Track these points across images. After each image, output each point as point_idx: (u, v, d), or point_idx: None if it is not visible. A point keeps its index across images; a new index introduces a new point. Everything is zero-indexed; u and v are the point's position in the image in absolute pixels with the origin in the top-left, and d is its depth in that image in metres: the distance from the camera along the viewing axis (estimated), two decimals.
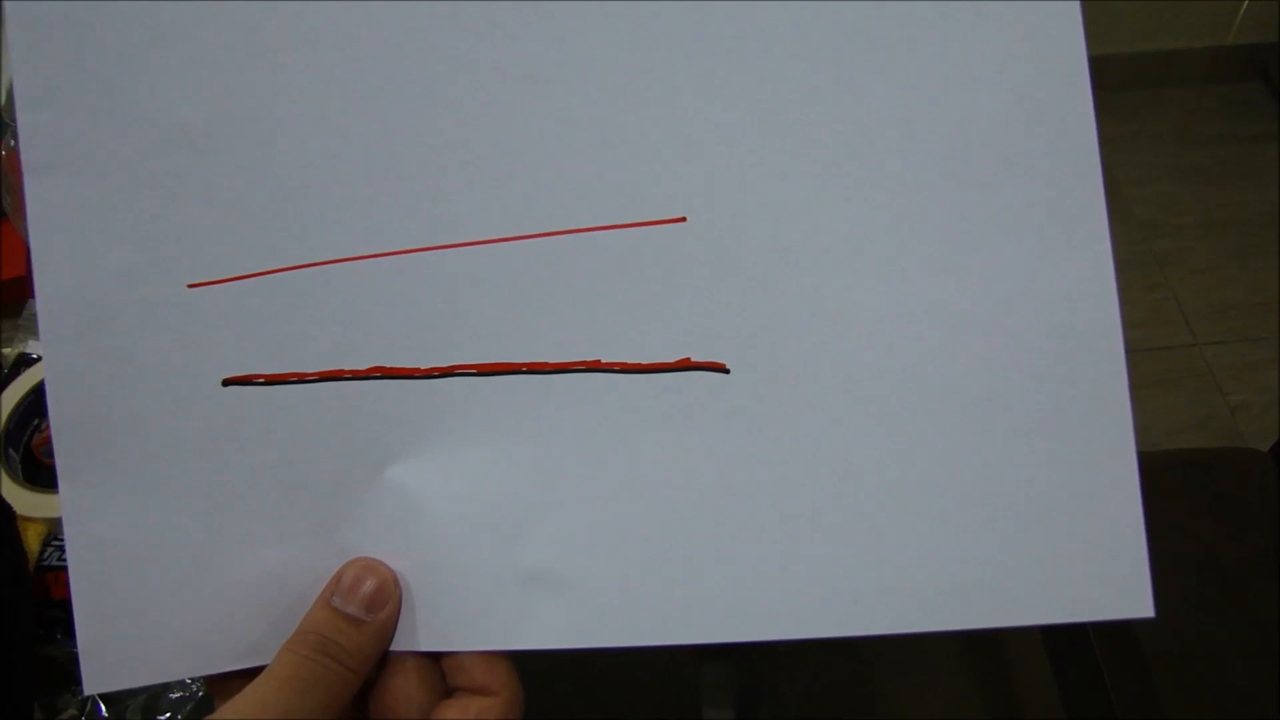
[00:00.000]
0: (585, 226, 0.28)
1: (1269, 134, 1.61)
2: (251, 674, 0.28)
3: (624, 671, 0.71)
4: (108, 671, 0.30)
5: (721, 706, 0.67)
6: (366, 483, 0.29)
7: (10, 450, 0.59)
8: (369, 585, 0.29)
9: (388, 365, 0.29)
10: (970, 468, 0.27)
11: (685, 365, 0.28)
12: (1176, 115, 1.68)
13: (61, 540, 0.56)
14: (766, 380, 0.28)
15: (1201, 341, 1.39)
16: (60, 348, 0.30)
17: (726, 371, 0.28)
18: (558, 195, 0.28)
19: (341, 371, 0.29)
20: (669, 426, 0.28)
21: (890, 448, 0.27)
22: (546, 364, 0.29)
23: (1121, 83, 1.67)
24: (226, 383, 0.30)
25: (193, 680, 0.54)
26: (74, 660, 0.51)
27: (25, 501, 0.56)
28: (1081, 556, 0.27)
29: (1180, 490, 0.80)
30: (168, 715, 0.54)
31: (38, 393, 0.60)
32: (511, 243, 0.28)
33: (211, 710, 0.28)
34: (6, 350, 0.64)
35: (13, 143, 0.58)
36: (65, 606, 0.54)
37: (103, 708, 0.54)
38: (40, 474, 0.58)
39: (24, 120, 0.29)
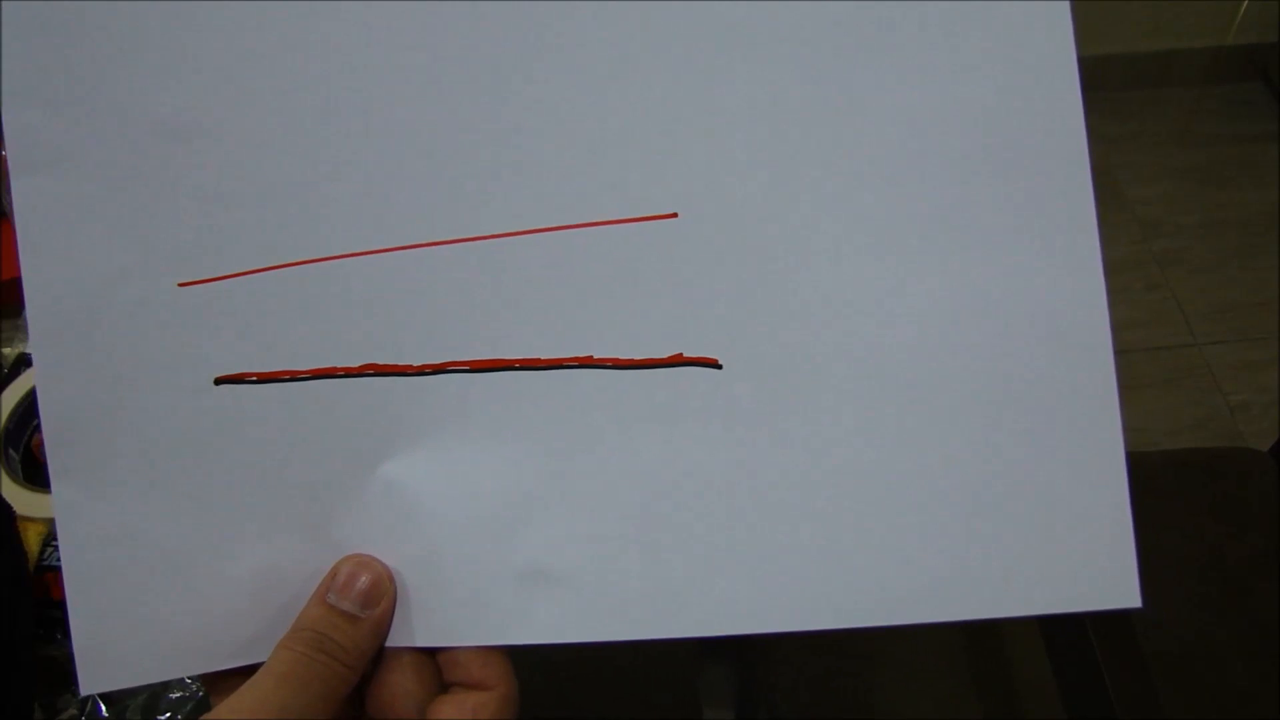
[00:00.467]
0: (577, 223, 0.28)
1: (1269, 134, 1.61)
2: (248, 672, 0.28)
3: (624, 671, 0.71)
4: (104, 671, 0.30)
5: (721, 706, 0.67)
6: (360, 479, 0.30)
7: (10, 450, 0.59)
8: (364, 581, 0.29)
9: (380, 362, 0.29)
10: (959, 460, 0.27)
11: (677, 360, 0.28)
12: (1176, 115, 1.68)
13: None
14: (758, 375, 0.28)
15: (1201, 341, 1.39)
16: (50, 347, 0.30)
17: (718, 366, 0.28)
18: (549, 191, 0.28)
19: (334, 369, 0.29)
20: (661, 421, 0.28)
21: (880, 441, 0.28)
22: (539, 360, 0.29)
23: (1121, 83, 1.67)
24: (219, 381, 0.30)
25: (192, 680, 0.54)
26: (74, 660, 0.51)
27: (25, 501, 0.56)
28: (1070, 548, 0.27)
29: (1180, 490, 0.80)
30: (167, 715, 0.54)
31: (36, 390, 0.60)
32: (504, 239, 0.28)
33: (210, 709, 0.28)
34: (6, 350, 0.64)
35: None
36: (65, 606, 0.54)
37: (103, 708, 0.54)
38: (40, 474, 0.58)
39: (10, 120, 0.29)
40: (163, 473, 0.30)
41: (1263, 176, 1.54)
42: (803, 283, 0.28)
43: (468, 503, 0.29)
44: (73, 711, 0.54)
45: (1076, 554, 0.27)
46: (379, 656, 0.29)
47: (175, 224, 0.29)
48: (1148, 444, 1.25)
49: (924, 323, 0.27)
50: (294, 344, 0.29)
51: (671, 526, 0.28)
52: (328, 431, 0.29)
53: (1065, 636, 0.61)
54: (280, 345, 0.29)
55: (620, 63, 0.28)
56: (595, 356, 0.29)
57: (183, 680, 0.54)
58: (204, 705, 0.53)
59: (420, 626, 0.29)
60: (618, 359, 0.28)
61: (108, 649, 0.30)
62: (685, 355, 0.28)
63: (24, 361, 0.63)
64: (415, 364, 0.29)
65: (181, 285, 0.29)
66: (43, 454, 0.46)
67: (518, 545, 0.29)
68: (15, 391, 0.60)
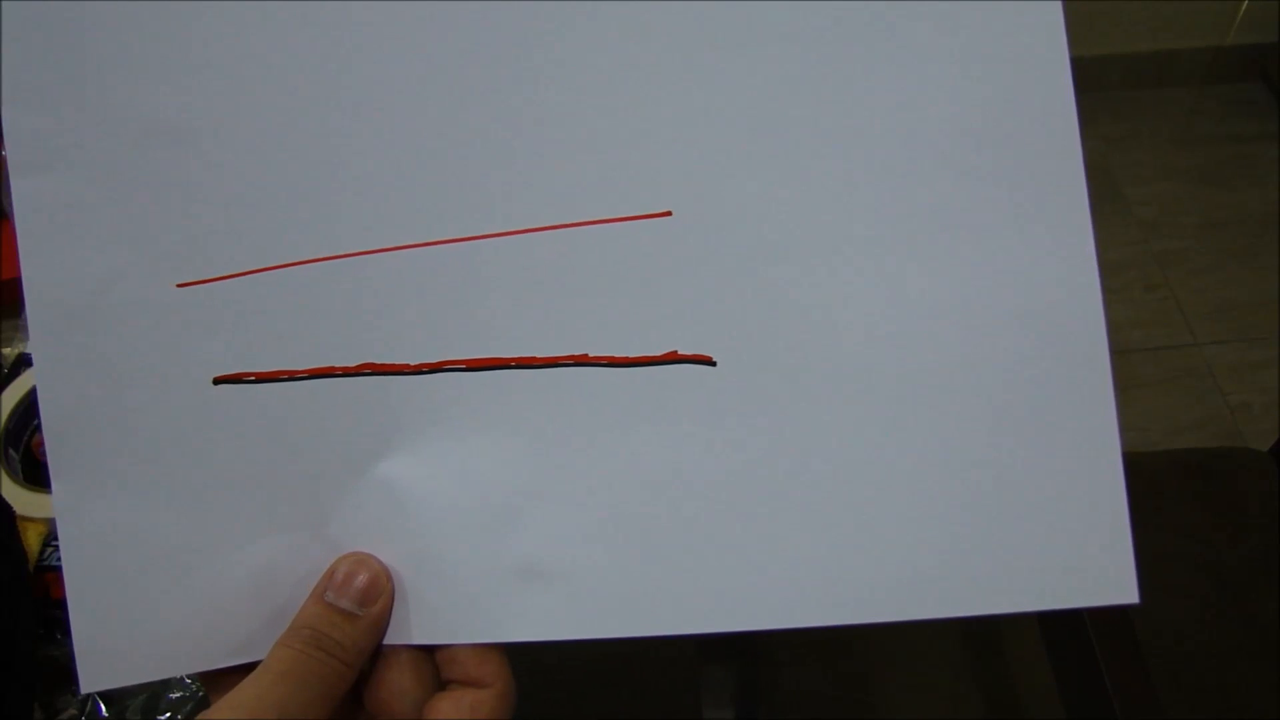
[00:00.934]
0: (571, 222, 0.28)
1: (1269, 134, 1.61)
2: (246, 670, 0.28)
3: (624, 671, 0.71)
4: (104, 670, 0.30)
5: (721, 706, 0.67)
6: (358, 478, 0.30)
7: (10, 450, 0.59)
8: (362, 579, 0.29)
9: (377, 362, 0.29)
10: (956, 457, 0.27)
11: (672, 358, 0.28)
12: (1176, 115, 1.68)
13: None
14: (753, 372, 0.28)
15: (1201, 341, 1.39)
16: (50, 347, 0.30)
17: (713, 364, 0.28)
18: (543, 191, 0.28)
19: (332, 369, 0.29)
20: (657, 418, 0.28)
21: (876, 438, 0.28)
22: (535, 358, 0.29)
23: (1121, 83, 1.67)
24: (217, 381, 0.30)
25: (192, 680, 0.54)
26: (74, 660, 0.51)
27: (25, 501, 0.56)
28: (1067, 543, 0.27)
29: (1180, 490, 0.80)
30: (167, 715, 0.54)
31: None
32: (498, 239, 0.28)
33: (209, 707, 0.28)
34: (6, 350, 0.65)
35: None
36: (65, 606, 0.54)
37: (103, 707, 0.54)
38: (40, 474, 0.58)
39: (10, 120, 0.29)
40: (162, 472, 0.30)
41: (1263, 176, 1.54)
42: (797, 280, 0.28)
43: (465, 501, 0.29)
44: (73, 711, 0.54)
45: (1073, 549, 0.27)
46: (377, 654, 0.29)
47: (174, 225, 0.29)
48: (1148, 444, 1.25)
49: (919, 320, 0.27)
50: (292, 344, 0.29)
51: (667, 524, 0.28)
52: (326, 430, 0.30)
53: (1065, 636, 0.61)
54: (278, 345, 0.29)
55: (614, 62, 0.28)
56: (590, 355, 0.29)
57: (182, 680, 0.54)
58: (204, 705, 0.53)
59: (418, 624, 0.29)
60: (613, 357, 0.28)
61: (107, 648, 0.30)
62: (680, 353, 0.28)
63: (24, 361, 0.64)
64: (412, 363, 0.29)
65: (180, 286, 0.29)
66: (43, 454, 0.46)
67: (514, 543, 0.29)
68: (15, 391, 0.61)
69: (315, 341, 0.29)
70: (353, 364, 0.29)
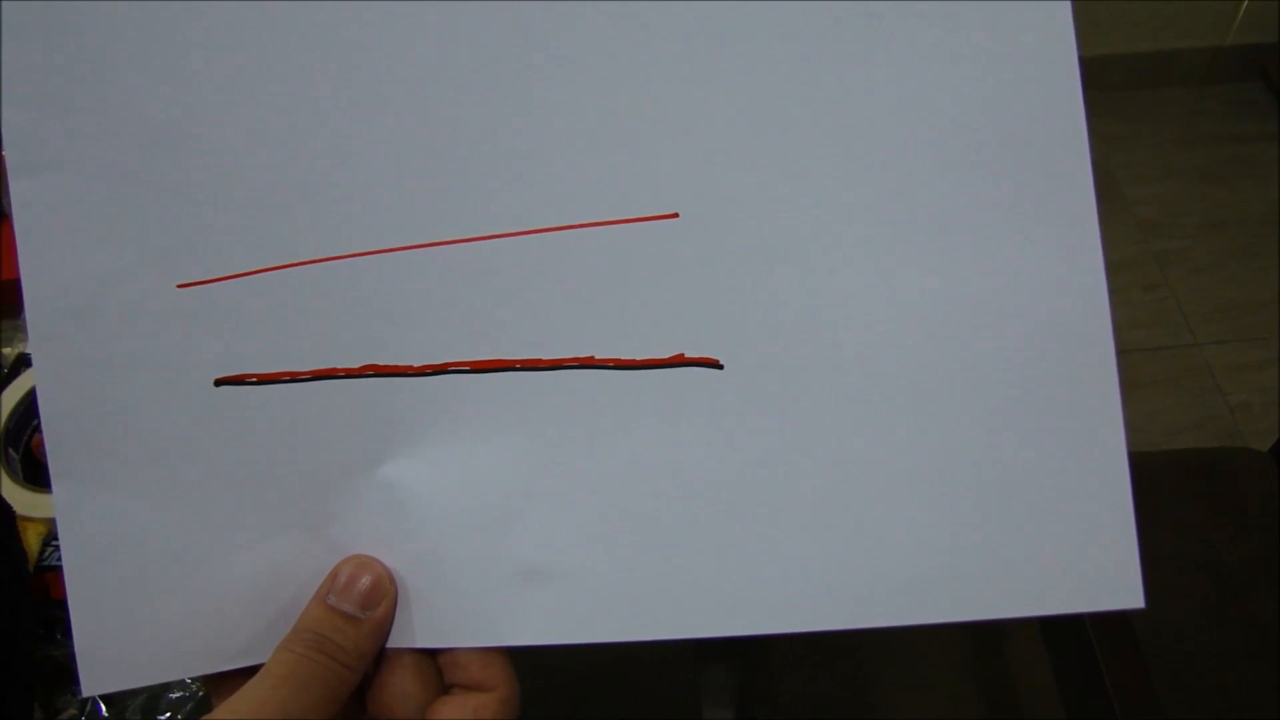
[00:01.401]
0: (577, 223, 0.28)
1: (1269, 134, 1.61)
2: (248, 673, 0.28)
3: (624, 671, 0.71)
4: (105, 672, 0.30)
5: (721, 706, 0.67)
6: (361, 480, 0.30)
7: (10, 450, 0.59)
8: (364, 582, 0.29)
9: (380, 363, 0.29)
10: (962, 460, 0.27)
11: (678, 361, 0.28)
12: (1176, 115, 1.68)
13: None
14: (759, 375, 0.28)
15: (1201, 341, 1.39)
16: (49, 348, 0.30)
17: (720, 367, 0.28)
18: (549, 192, 0.28)
19: (334, 370, 0.29)
20: (662, 422, 0.28)
21: (881, 441, 0.28)
22: (540, 361, 0.29)
23: (1121, 83, 1.67)
24: (219, 382, 0.30)
25: (192, 680, 0.54)
26: (74, 659, 0.51)
27: (25, 501, 0.56)
28: (1072, 547, 0.27)
29: (1180, 490, 0.80)
30: (167, 715, 0.54)
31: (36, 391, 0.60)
32: (503, 239, 0.28)
33: (210, 710, 0.28)
34: (6, 350, 0.64)
35: None
36: (65, 606, 0.54)
37: (103, 708, 0.54)
38: (40, 474, 0.58)
39: (8, 120, 0.29)
40: (163, 474, 0.30)
41: (1263, 176, 1.54)
42: (804, 283, 0.28)
43: (469, 503, 0.29)
44: (73, 711, 0.54)
45: (1079, 554, 0.27)
46: (380, 657, 0.29)
47: (174, 225, 0.29)
48: (1148, 444, 1.25)
49: (926, 322, 0.27)
50: (294, 345, 0.29)
51: (672, 527, 0.28)
52: (328, 432, 0.29)
53: (1065, 637, 0.61)
54: (280, 346, 0.29)
55: (620, 63, 0.28)
56: (596, 357, 0.28)
57: (183, 680, 0.54)
58: (204, 705, 0.53)
59: (421, 627, 0.29)
60: (619, 359, 0.28)
61: (109, 650, 0.30)
62: (686, 355, 0.28)
63: (24, 361, 0.63)
64: (416, 365, 0.29)
65: (181, 286, 0.29)
66: (43, 454, 0.46)
67: (519, 546, 0.29)
68: (15, 391, 0.60)
69: (318, 343, 0.29)
70: (356, 365, 0.29)
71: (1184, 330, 1.40)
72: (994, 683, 0.73)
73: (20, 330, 0.65)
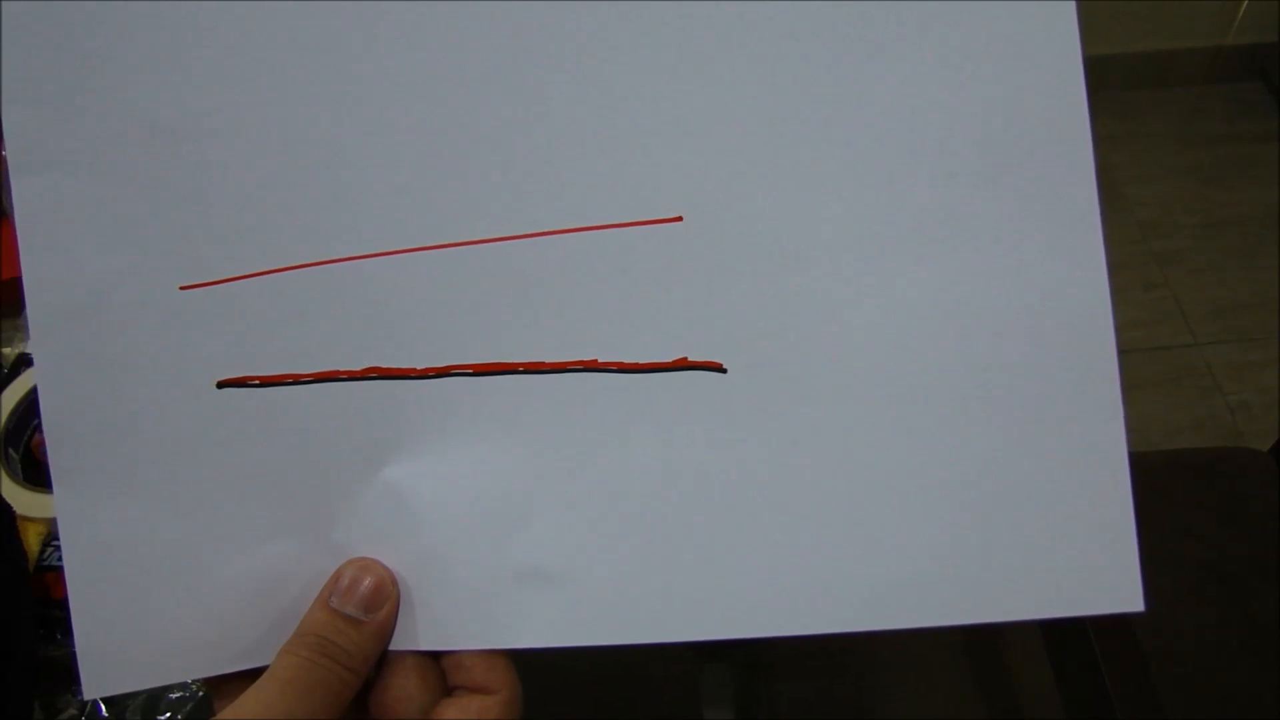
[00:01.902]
0: (581, 226, 0.28)
1: (1269, 134, 1.61)
2: (250, 675, 0.28)
3: (624, 671, 0.71)
4: (107, 675, 0.30)
5: (721, 707, 0.67)
6: (363, 483, 0.29)
7: (10, 450, 0.59)
8: (367, 585, 0.29)
9: (384, 366, 0.29)
10: (964, 464, 0.27)
11: (682, 365, 0.28)
12: (1176, 115, 1.67)
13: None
14: (763, 379, 0.28)
15: (1201, 341, 1.39)
16: (51, 350, 0.29)
17: (723, 371, 0.28)
18: (553, 194, 0.28)
19: (337, 372, 0.29)
20: (666, 425, 0.28)
21: (884, 445, 0.28)
22: (543, 364, 0.29)
23: (1121, 83, 1.67)
24: (221, 384, 0.29)
25: (192, 681, 0.54)
26: (74, 660, 0.51)
27: (25, 501, 0.56)
28: (1072, 551, 0.27)
29: (1180, 490, 0.80)
30: (167, 715, 0.54)
31: (37, 392, 0.60)
32: (507, 242, 0.28)
33: (211, 711, 0.28)
34: (6, 350, 0.64)
35: None
36: (65, 606, 0.54)
37: (102, 708, 0.54)
38: (40, 474, 0.58)
39: (9, 119, 0.29)
40: (165, 476, 0.30)
41: (1263, 176, 1.54)
42: (809, 287, 0.28)
43: (471, 506, 0.29)
44: (72, 711, 0.54)
45: (1079, 558, 0.27)
46: (383, 659, 0.29)
47: (177, 226, 0.29)
48: (1147, 444, 1.25)
49: (930, 326, 0.27)
50: (296, 347, 0.29)
51: (675, 531, 0.28)
52: (331, 435, 0.29)
53: (1065, 637, 0.61)
54: (283, 348, 0.29)
55: (626, 65, 0.27)
56: (600, 360, 0.28)
57: (183, 681, 0.54)
58: (204, 705, 0.53)
59: (424, 630, 0.29)
60: (622, 363, 0.28)
61: (110, 653, 0.30)
62: (690, 359, 0.28)
63: (24, 361, 0.63)
64: (419, 367, 0.29)
65: (183, 288, 0.29)
66: (43, 454, 0.46)
67: (522, 548, 0.29)
68: (15, 391, 0.60)
69: (320, 345, 0.29)
70: (358, 368, 0.29)
71: (1184, 330, 1.40)
72: (994, 683, 0.73)
73: (20, 330, 0.65)
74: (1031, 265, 0.27)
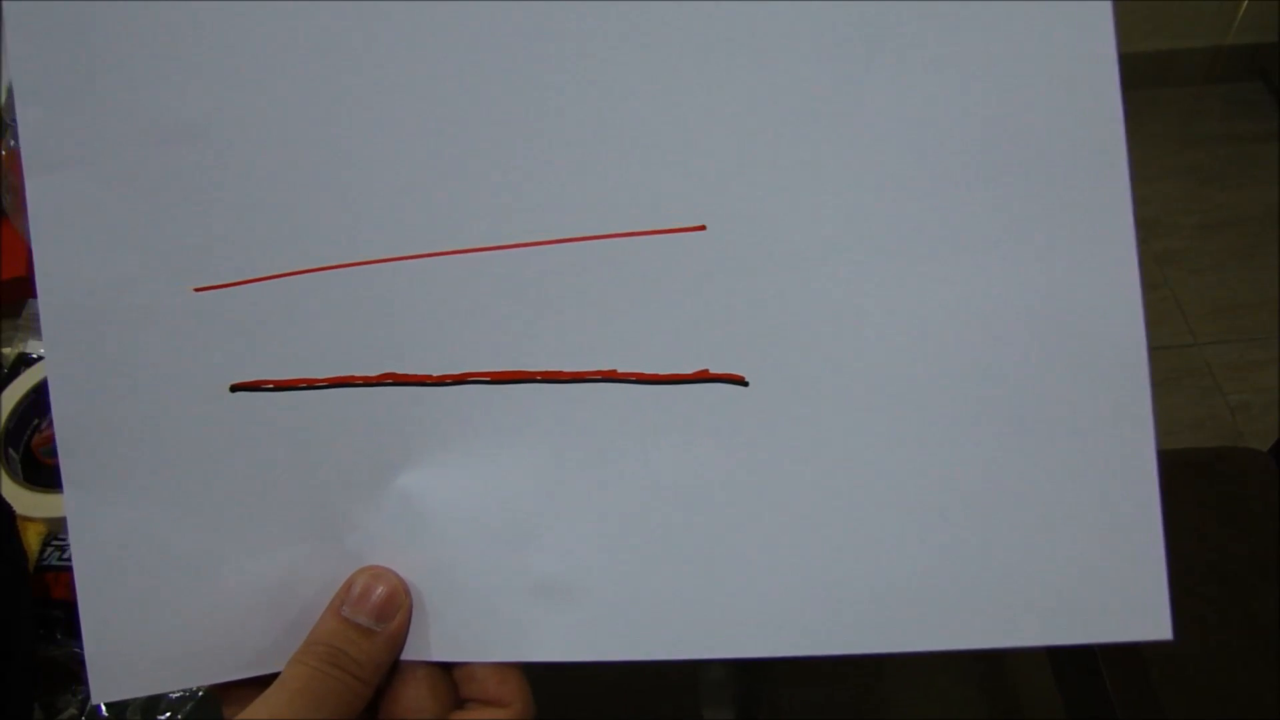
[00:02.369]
0: (602, 234, 0.28)
1: (1269, 134, 1.61)
2: (261, 682, 0.28)
3: (624, 671, 0.71)
4: (115, 681, 0.30)
5: (721, 706, 0.67)
6: (377, 490, 0.29)
7: (10, 450, 0.58)
8: (379, 594, 0.28)
9: (399, 372, 0.29)
10: (991, 484, 0.27)
11: (703, 377, 0.28)
12: (1176, 115, 1.67)
13: (61, 540, 0.56)
14: (785, 393, 0.27)
15: (1201, 341, 1.39)
16: (63, 352, 0.29)
17: (745, 384, 0.27)
18: (575, 201, 0.27)
19: (352, 378, 0.29)
20: (685, 438, 0.28)
21: (911, 464, 0.27)
22: (561, 373, 0.28)
23: (1121, 83, 1.67)
24: (234, 388, 0.29)
25: (200, 687, 0.54)
26: (74, 660, 0.51)
27: (25, 501, 0.56)
28: (1099, 576, 0.26)
29: (1180, 490, 0.80)
30: (168, 715, 0.53)
31: (38, 392, 0.60)
32: (527, 249, 0.28)
33: (213, 711, 0.27)
34: (6, 350, 0.64)
35: (13, 143, 0.58)
36: (65, 606, 0.54)
37: (102, 707, 0.54)
38: (40, 474, 0.58)
39: (24, 120, 0.29)
40: (176, 481, 0.29)
41: (1263, 176, 1.54)
42: (833, 298, 0.27)
43: (486, 515, 0.29)
44: (73, 711, 0.54)
45: (1106, 582, 0.26)
46: (394, 669, 0.29)
47: (191, 227, 0.29)
48: None
49: (959, 339, 0.27)
50: (311, 352, 0.29)
51: (693, 546, 0.28)
52: (345, 441, 0.29)
53: None
54: (297, 353, 0.29)
55: (649, 72, 0.27)
56: (619, 371, 0.28)
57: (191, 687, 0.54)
58: (204, 705, 0.53)
59: (436, 640, 0.29)
60: (642, 374, 0.28)
61: (119, 658, 0.29)
62: (711, 372, 0.28)
63: (24, 361, 0.63)
64: (435, 374, 0.29)
65: (197, 290, 0.29)
66: (43, 454, 0.46)
67: (536, 560, 0.28)
68: (15, 391, 0.60)
69: (336, 350, 0.29)
70: (374, 373, 0.29)
71: (1184, 330, 1.40)
72: (994, 683, 0.73)
73: (20, 330, 0.64)
74: (1065, 276, 0.26)
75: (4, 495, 0.51)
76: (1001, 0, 0.25)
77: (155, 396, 0.29)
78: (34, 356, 0.63)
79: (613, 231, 0.27)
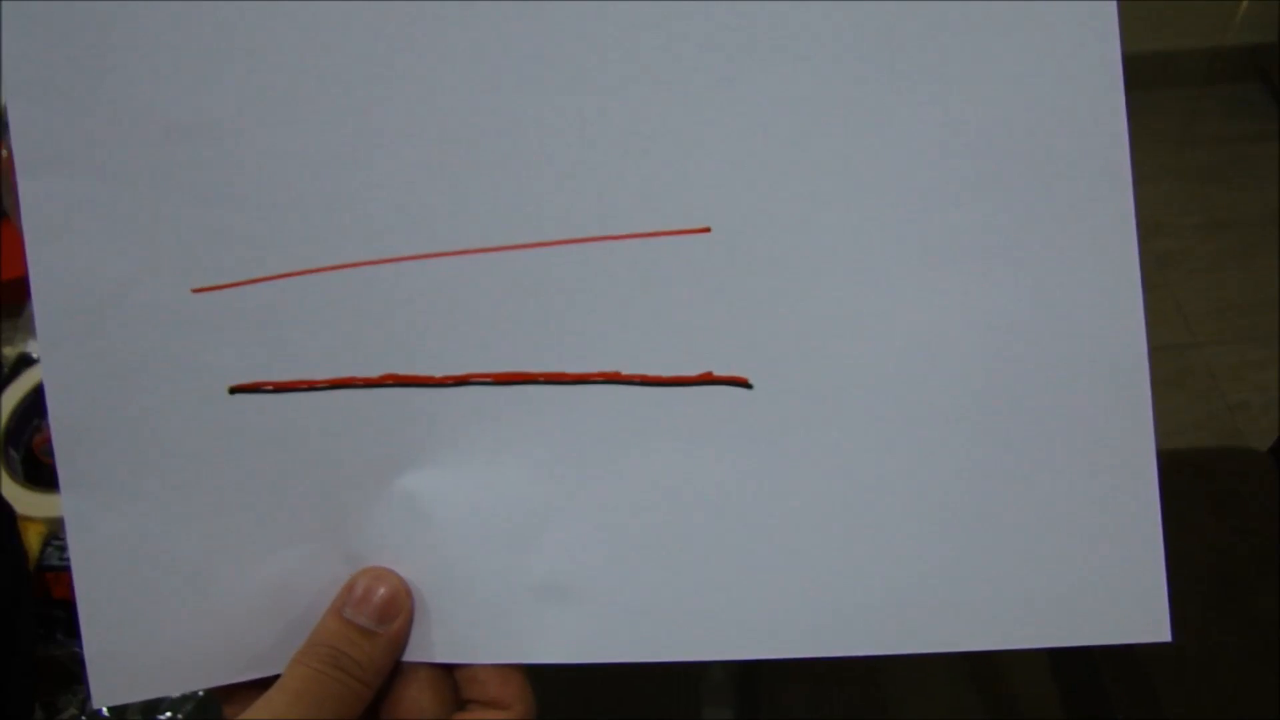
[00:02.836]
0: (607, 235, 0.28)
1: (1269, 134, 1.61)
2: (262, 684, 0.28)
3: (624, 671, 0.71)
4: (116, 684, 0.29)
5: (721, 706, 0.67)
6: (378, 492, 0.29)
7: (10, 450, 0.58)
8: (381, 595, 0.28)
9: (400, 373, 0.29)
10: (991, 486, 0.27)
11: (707, 379, 0.28)
12: (1176, 115, 1.67)
13: (62, 540, 0.56)
14: (789, 396, 0.27)
15: (1201, 341, 1.39)
16: (59, 354, 0.29)
17: (749, 386, 0.27)
18: (579, 202, 0.27)
19: (353, 379, 0.29)
20: (689, 441, 0.28)
21: (913, 466, 0.27)
22: (565, 374, 0.28)
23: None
24: (233, 390, 0.29)
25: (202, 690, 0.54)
26: (75, 660, 0.51)
27: (25, 501, 0.56)
28: (1098, 577, 0.26)
29: (1180, 490, 0.80)
30: (168, 714, 0.53)
31: (38, 392, 0.60)
32: (530, 250, 0.28)
33: (214, 711, 0.27)
34: (6, 350, 0.64)
35: None
36: (65, 606, 0.54)
37: (103, 707, 0.54)
38: (40, 474, 0.58)
39: (17, 118, 0.28)
40: (176, 483, 0.29)
41: (1263, 176, 1.54)
42: (838, 302, 0.27)
43: (488, 517, 0.29)
44: (73, 711, 0.54)
45: (1105, 583, 0.26)
46: (396, 670, 0.29)
47: (189, 228, 0.29)
48: None
49: (960, 339, 0.27)
50: (311, 353, 0.29)
51: (696, 548, 0.28)
52: (345, 442, 0.29)
53: None
54: (297, 354, 0.29)
55: (655, 73, 0.27)
56: (622, 373, 0.28)
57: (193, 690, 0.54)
58: (205, 705, 0.53)
59: (438, 642, 0.29)
60: (645, 376, 0.28)
61: (120, 661, 0.29)
62: (715, 374, 0.28)
63: (24, 361, 0.63)
64: (436, 375, 0.29)
65: (195, 291, 0.29)
66: (43, 454, 0.46)
67: (538, 561, 0.28)
68: (15, 391, 0.60)
69: (336, 351, 0.29)
70: (375, 375, 0.29)
71: (1184, 330, 1.40)
72: (993, 683, 0.73)
73: (20, 330, 0.64)
74: (1066, 277, 0.26)
75: (4, 495, 0.51)
76: (1006, 2, 0.25)
77: (154, 398, 0.29)
78: (34, 356, 0.63)
79: (617, 233, 0.27)
